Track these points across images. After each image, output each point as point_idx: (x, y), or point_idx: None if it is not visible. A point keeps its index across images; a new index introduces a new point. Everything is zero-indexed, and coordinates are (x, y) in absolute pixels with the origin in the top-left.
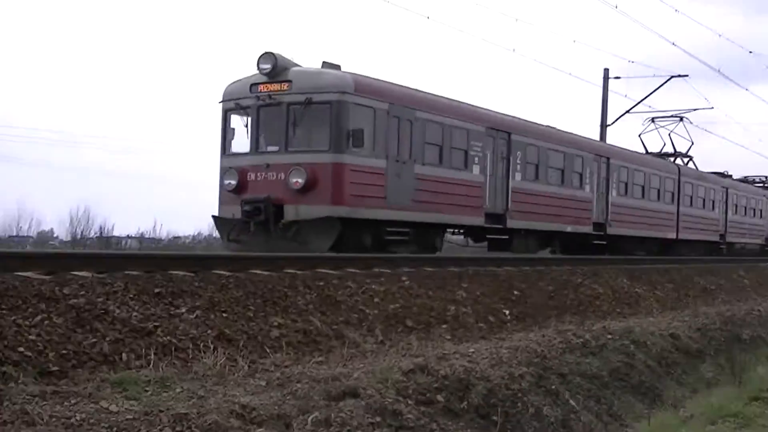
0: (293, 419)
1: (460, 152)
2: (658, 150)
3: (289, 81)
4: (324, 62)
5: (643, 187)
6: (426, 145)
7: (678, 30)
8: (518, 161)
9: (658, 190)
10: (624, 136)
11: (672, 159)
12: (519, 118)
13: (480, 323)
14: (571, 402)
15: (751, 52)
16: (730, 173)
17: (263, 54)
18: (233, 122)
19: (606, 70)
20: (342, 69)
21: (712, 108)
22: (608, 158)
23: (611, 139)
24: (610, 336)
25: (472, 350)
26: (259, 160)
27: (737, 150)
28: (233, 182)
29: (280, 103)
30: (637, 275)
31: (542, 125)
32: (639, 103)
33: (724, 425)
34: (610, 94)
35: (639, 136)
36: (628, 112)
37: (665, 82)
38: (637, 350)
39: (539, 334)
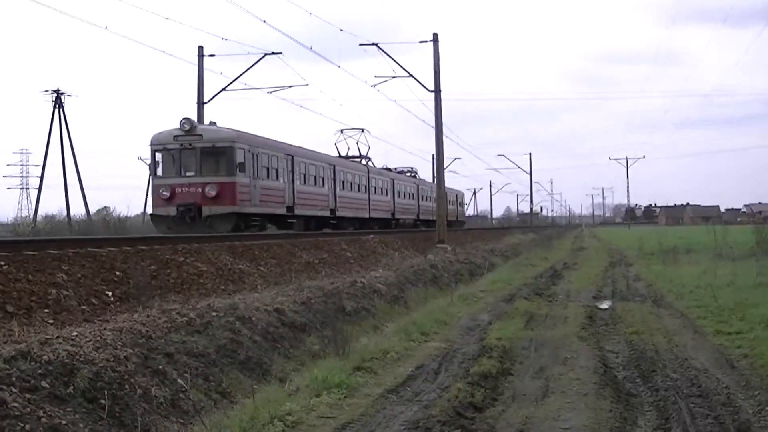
0: None
1: (274, 170)
2: (345, 154)
3: (200, 135)
4: (211, 121)
5: (352, 183)
6: (261, 168)
7: (269, 8)
8: (298, 173)
9: (359, 185)
10: (221, 114)
11: (358, 160)
12: (298, 146)
13: (83, 306)
14: (179, 381)
15: (341, 29)
16: (394, 168)
17: (184, 118)
18: (158, 158)
19: (200, 48)
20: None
21: (307, 85)
22: (334, 166)
23: (209, 116)
24: (215, 313)
25: (75, 334)
26: (183, 181)
27: (336, 126)
28: (167, 193)
29: (194, 147)
30: (240, 252)
31: (305, 149)
32: (234, 80)
33: (329, 396)
34: (206, 72)
35: (335, 144)
36: (224, 89)
37: (259, 60)
38: (243, 326)
39: (144, 314)
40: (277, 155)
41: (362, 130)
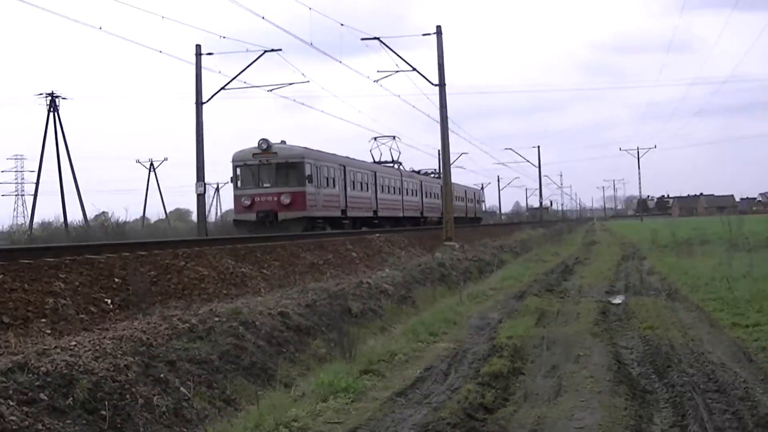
0: None
1: (332, 179)
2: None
3: (275, 152)
4: (282, 140)
5: (389, 186)
6: (323, 178)
7: (268, 4)
8: (348, 180)
9: (394, 188)
10: (219, 115)
11: (391, 165)
12: (346, 156)
13: (81, 314)
14: (182, 389)
15: (342, 24)
16: (425, 171)
17: (262, 139)
18: (239, 172)
19: (198, 47)
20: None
21: (308, 81)
22: (375, 172)
23: (208, 116)
24: (217, 319)
25: (74, 343)
26: (261, 191)
27: (338, 124)
28: (248, 202)
29: (271, 163)
30: (242, 255)
31: (353, 158)
32: (233, 79)
33: (336, 401)
34: (204, 71)
35: (370, 151)
36: (223, 88)
37: (258, 57)
38: (247, 331)
39: (144, 321)
40: (333, 166)
41: (393, 138)
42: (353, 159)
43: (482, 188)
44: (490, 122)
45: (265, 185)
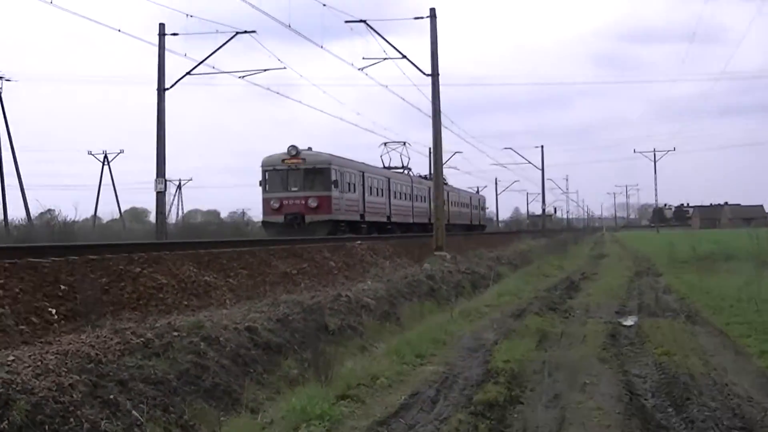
0: None
1: (352, 185)
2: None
3: (303, 158)
4: (308, 147)
5: (401, 193)
6: (345, 183)
7: None
8: (367, 186)
9: (405, 194)
10: (184, 103)
11: (402, 171)
12: (362, 162)
13: (21, 326)
14: (134, 413)
15: (324, 5)
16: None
17: (291, 145)
18: (268, 176)
19: (161, 26)
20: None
21: (285, 68)
22: (389, 178)
23: (171, 104)
24: (176, 333)
25: (11, 358)
26: (289, 195)
27: (317, 116)
28: (277, 205)
29: (299, 168)
30: (206, 261)
31: (370, 165)
32: (201, 63)
33: (309, 429)
34: (167, 53)
35: (380, 156)
36: (188, 74)
37: (229, 39)
38: (209, 348)
39: (93, 335)
40: (354, 172)
41: (404, 144)
42: (370, 165)
43: (478, 191)
44: (488, 118)
45: (293, 189)
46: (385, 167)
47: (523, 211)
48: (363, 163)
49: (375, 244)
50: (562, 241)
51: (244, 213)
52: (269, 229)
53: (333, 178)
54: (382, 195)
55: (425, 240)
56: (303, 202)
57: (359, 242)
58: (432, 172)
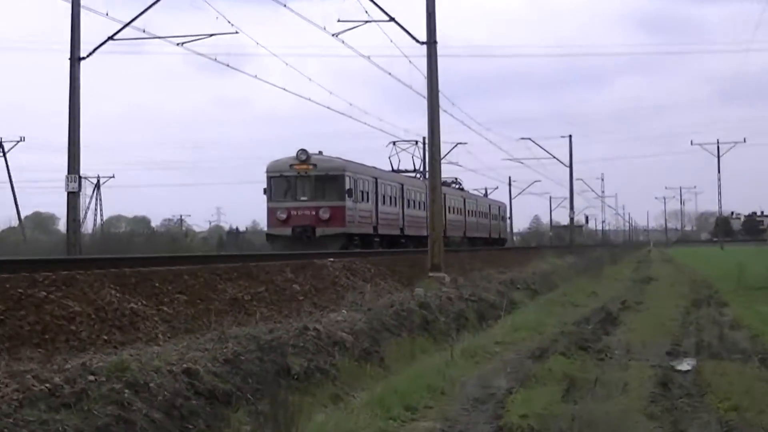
0: None
1: (366, 193)
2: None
3: (314, 164)
4: (319, 151)
5: (414, 201)
6: (359, 192)
7: None
8: (380, 195)
9: (418, 202)
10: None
11: (413, 175)
12: (373, 167)
13: None
14: None
15: None
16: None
17: (300, 150)
18: (273, 183)
19: None
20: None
21: (237, 33)
22: (403, 185)
23: (87, 79)
24: (93, 377)
25: None
26: (298, 204)
27: (278, 96)
28: (284, 215)
29: (309, 175)
30: (132, 284)
31: (383, 170)
32: (127, 25)
33: None
34: (84, 12)
35: (389, 158)
36: (111, 38)
37: None
38: (136, 397)
39: None
40: (367, 179)
41: (416, 143)
42: (382, 170)
43: (486, 194)
44: (500, 100)
45: (302, 198)
46: (393, 170)
47: (545, 220)
48: (374, 167)
49: (352, 263)
50: (596, 260)
51: (182, 220)
52: (275, 243)
53: (347, 186)
54: (395, 204)
55: (418, 257)
56: (313, 212)
57: (331, 260)
58: (428, 167)
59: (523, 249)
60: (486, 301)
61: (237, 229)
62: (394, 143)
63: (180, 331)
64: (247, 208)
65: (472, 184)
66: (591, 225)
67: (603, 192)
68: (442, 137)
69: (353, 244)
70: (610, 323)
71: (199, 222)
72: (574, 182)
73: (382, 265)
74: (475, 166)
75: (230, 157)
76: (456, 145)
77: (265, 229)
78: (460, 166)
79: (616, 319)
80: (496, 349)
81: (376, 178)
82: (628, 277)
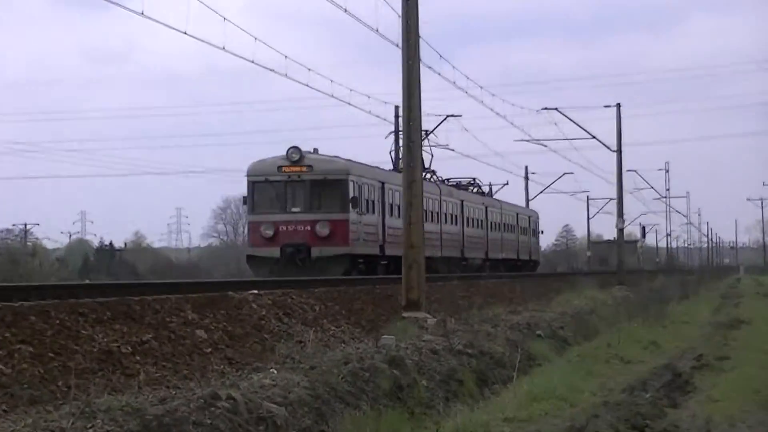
0: None
1: (371, 202)
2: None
3: (309, 165)
4: (314, 148)
5: (426, 211)
6: (363, 200)
7: None
8: (386, 203)
9: (431, 212)
10: None
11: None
12: (380, 168)
13: None
14: None
15: None
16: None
17: (292, 147)
18: (256, 190)
19: None
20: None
21: None
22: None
23: None
24: None
25: None
26: (288, 217)
27: (176, 44)
28: (270, 232)
29: (303, 180)
30: None
31: (389, 172)
32: None
33: None
34: None
35: (390, 153)
36: None
37: None
38: None
39: None
40: (373, 184)
41: (426, 133)
42: (384, 170)
43: (491, 193)
44: (512, 52)
45: (294, 210)
46: (395, 169)
47: (580, 232)
48: (379, 168)
49: (287, 297)
50: (657, 293)
51: (26, 232)
52: (259, 267)
53: (351, 193)
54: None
55: (389, 286)
56: (309, 228)
57: (255, 292)
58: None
59: (547, 276)
60: (490, 356)
61: (111, 245)
62: (395, 134)
63: (22, 402)
64: (126, 214)
65: (462, 171)
66: (650, 240)
67: (668, 191)
68: (424, 106)
69: (357, 268)
70: (678, 390)
71: (52, 234)
72: (624, 176)
73: (332, 299)
74: (473, 150)
75: (102, 138)
76: (445, 119)
77: (247, 249)
78: (451, 150)
79: (688, 384)
80: (504, 429)
81: (382, 183)
82: (707, 320)
